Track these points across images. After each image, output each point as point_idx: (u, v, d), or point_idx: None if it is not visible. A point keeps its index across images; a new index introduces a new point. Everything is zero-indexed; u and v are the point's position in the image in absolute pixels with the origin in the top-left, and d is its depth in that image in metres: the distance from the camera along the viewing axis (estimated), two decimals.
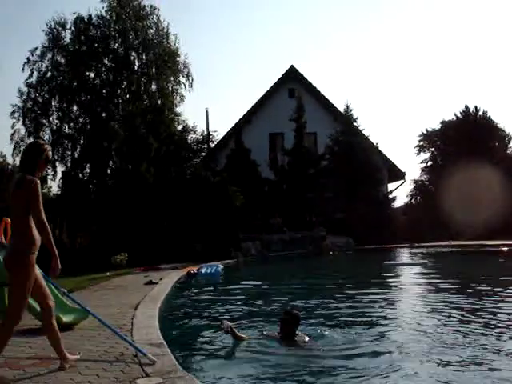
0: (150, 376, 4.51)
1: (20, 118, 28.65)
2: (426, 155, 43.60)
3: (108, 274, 16.09)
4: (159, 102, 28.50)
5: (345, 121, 30.27)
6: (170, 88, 30.02)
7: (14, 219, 4.83)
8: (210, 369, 5.63)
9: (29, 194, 4.64)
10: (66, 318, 6.99)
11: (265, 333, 7.05)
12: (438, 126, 41.94)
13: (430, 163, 42.81)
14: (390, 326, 8.08)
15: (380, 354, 6.23)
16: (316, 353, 6.42)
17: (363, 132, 30.59)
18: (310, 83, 33.27)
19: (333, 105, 32.75)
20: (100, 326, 6.47)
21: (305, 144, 29.46)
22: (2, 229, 8.30)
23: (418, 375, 5.46)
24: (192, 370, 5.09)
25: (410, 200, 41.94)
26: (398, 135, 63.86)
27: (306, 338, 6.80)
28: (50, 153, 5.17)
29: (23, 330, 7.04)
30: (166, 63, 29.34)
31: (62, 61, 29.09)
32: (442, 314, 8.77)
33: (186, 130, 27.14)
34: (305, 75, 33.45)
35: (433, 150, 42.95)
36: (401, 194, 60.69)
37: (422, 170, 43.35)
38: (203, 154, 27.65)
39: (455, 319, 8.31)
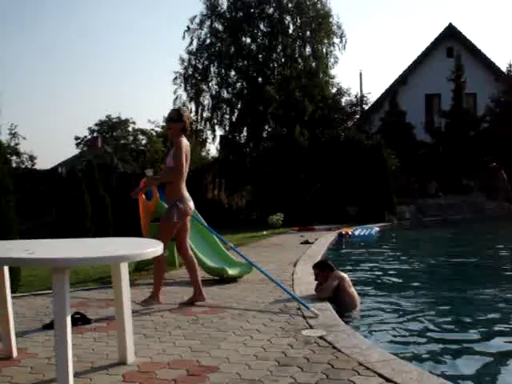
0: (314, 328, 4.74)
1: (182, 84, 30.11)
2: None
3: (265, 232, 16.72)
4: (313, 64, 28.56)
5: (507, 80, 28.54)
6: (323, 50, 29.91)
7: None
8: (363, 324, 5.79)
9: None
10: (231, 271, 7.43)
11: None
12: None
13: None
14: None
15: None
16: None
17: None
18: (470, 41, 31.73)
19: (494, 64, 31.03)
20: (262, 279, 6.83)
21: (463, 105, 28.24)
22: None
23: None
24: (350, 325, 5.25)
25: None
26: None
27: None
28: None
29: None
30: (319, 25, 29.21)
31: (220, 28, 29.97)
32: None
33: (340, 92, 27.10)
34: (464, 33, 31.93)
35: None
36: None
37: None
38: (357, 116, 27.49)
39: None
